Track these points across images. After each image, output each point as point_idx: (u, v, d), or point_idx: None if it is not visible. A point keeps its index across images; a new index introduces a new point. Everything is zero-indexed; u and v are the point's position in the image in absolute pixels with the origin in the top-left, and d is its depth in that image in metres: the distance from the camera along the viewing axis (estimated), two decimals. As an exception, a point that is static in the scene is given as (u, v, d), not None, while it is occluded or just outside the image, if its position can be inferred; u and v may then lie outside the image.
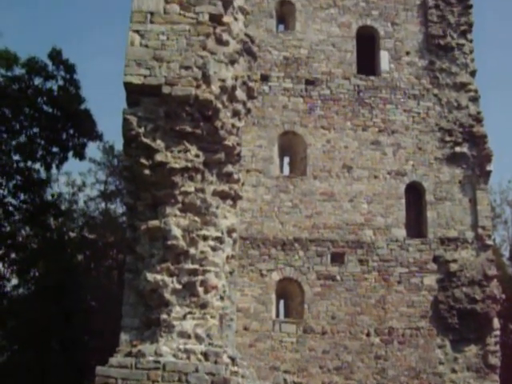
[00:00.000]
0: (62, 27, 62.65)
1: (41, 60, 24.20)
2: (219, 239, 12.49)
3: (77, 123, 24.26)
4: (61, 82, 24.59)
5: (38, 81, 24.32)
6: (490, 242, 20.33)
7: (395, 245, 19.81)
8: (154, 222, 12.19)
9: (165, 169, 12.15)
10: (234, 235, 13.07)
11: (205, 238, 12.31)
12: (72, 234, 30.48)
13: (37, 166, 24.42)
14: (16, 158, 24.00)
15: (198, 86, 12.14)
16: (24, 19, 61.51)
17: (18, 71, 24.20)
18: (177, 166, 12.18)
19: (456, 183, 20.66)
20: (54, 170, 25.60)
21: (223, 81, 12.46)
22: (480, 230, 20.25)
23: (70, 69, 24.56)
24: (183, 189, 12.28)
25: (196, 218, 12.31)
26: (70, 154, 24.56)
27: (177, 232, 12.09)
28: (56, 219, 27.40)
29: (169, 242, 12.06)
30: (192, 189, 12.35)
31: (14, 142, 23.91)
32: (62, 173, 31.09)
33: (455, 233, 20.23)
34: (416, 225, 20.53)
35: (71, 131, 24.43)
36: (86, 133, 24.68)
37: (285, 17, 22.02)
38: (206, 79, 12.21)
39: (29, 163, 24.26)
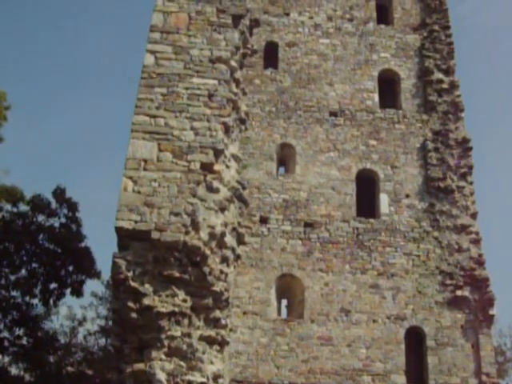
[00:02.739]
0: (67, 163, 65.20)
1: (45, 197, 25.03)
2: (204, 385, 12.28)
3: (76, 260, 24.61)
4: (63, 220, 25.30)
5: (41, 217, 25.01)
6: (494, 390, 19.69)
7: (395, 392, 19.22)
8: (140, 366, 12.10)
9: (152, 313, 12.16)
10: (221, 381, 12.87)
11: (189, 384, 12.12)
12: (70, 369, 30.00)
13: (35, 301, 24.53)
14: (14, 293, 24.10)
15: (186, 233, 12.32)
16: (31, 155, 64.07)
17: (23, 207, 24.97)
18: (164, 310, 12.19)
19: (458, 328, 20.20)
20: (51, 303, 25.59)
21: (212, 227, 12.66)
22: (484, 377, 19.62)
23: (73, 207, 25.27)
24: (170, 333, 12.25)
25: (181, 363, 12.22)
26: (68, 290, 24.70)
27: (161, 376, 11.98)
28: (53, 354, 27.06)
29: (153, 386, 11.87)
30: (178, 333, 12.31)
31: (13, 277, 24.07)
32: (62, 305, 31.10)
33: (457, 380, 19.60)
34: (416, 371, 19.93)
35: (70, 268, 24.74)
36: (84, 270, 24.95)
37: (285, 160, 22.40)
38: (195, 226, 12.41)
39: (27, 298, 24.31)
